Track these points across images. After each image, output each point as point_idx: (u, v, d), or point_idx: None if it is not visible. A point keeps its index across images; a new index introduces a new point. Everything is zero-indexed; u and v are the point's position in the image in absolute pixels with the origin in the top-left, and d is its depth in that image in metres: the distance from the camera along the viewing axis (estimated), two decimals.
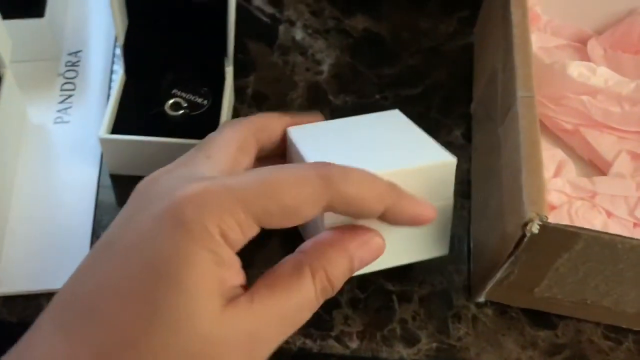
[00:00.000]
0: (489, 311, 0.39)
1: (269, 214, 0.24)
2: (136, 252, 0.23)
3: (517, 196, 0.33)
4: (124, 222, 0.25)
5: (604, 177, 0.43)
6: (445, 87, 0.51)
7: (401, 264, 0.36)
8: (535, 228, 0.31)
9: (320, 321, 0.38)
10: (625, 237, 0.31)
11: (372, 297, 0.39)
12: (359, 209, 0.27)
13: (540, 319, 0.39)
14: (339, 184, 0.25)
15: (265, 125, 0.34)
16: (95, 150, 0.43)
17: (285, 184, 0.25)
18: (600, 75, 0.44)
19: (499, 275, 0.36)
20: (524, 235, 0.32)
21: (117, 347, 0.22)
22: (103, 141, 0.40)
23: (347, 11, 0.56)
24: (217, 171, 0.28)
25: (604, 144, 0.45)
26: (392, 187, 0.28)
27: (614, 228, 0.41)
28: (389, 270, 0.40)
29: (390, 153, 0.35)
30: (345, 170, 0.26)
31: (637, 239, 0.31)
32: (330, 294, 0.27)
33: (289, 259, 0.27)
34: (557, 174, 0.44)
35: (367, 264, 0.29)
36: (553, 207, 0.42)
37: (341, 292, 0.39)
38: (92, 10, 0.52)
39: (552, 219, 0.40)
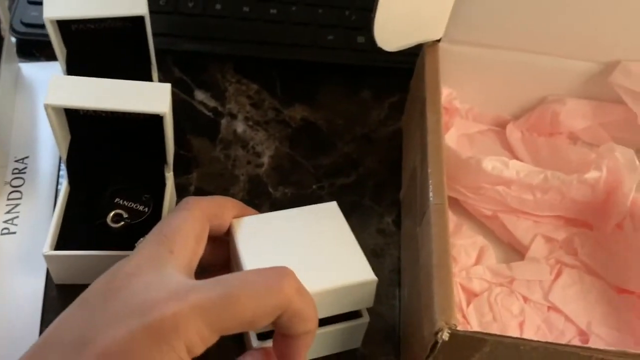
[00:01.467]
0: None
1: (230, 328, 0.29)
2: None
3: (429, 303, 0.36)
4: (93, 323, 0.28)
5: (520, 263, 0.47)
6: (377, 174, 0.54)
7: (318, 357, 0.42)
8: (445, 336, 0.34)
9: None
10: (525, 339, 0.35)
11: None
12: (298, 324, 0.32)
13: None
14: (295, 302, 0.31)
15: (219, 214, 0.39)
16: (42, 261, 0.45)
17: (247, 302, 0.29)
18: (512, 167, 0.48)
19: None
20: (436, 341, 0.35)
21: None
22: (47, 257, 0.42)
23: (286, 101, 0.60)
24: (182, 268, 0.33)
25: (521, 228, 0.49)
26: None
27: (530, 313, 0.44)
28: None
29: (319, 264, 0.39)
30: (300, 289, 0.31)
31: (537, 341, 0.35)
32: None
33: None
34: (478, 261, 0.47)
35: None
36: (475, 295, 0.45)
37: None
38: (39, 113, 0.54)
39: (474, 307, 0.44)
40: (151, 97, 0.41)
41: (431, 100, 0.46)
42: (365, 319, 0.41)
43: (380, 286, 0.47)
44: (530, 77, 0.53)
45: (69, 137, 0.46)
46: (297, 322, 0.31)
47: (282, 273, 0.31)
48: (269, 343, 0.36)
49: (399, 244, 0.50)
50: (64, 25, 0.47)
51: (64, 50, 0.49)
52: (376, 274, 0.48)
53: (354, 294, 0.39)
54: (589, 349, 0.35)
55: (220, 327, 0.28)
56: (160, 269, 0.31)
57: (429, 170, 0.41)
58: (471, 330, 0.35)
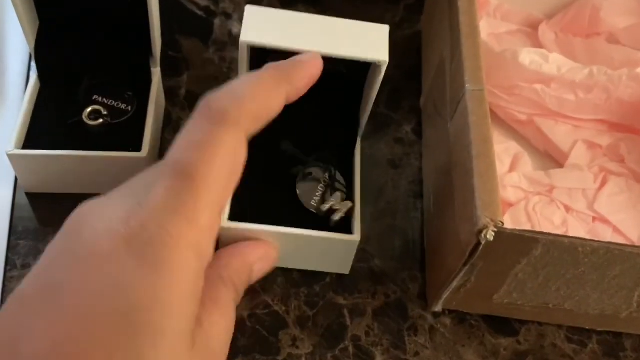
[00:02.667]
0: (447, 320, 0.36)
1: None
2: (104, 299, 0.19)
3: (469, 199, 0.30)
4: (69, 262, 0.20)
5: (560, 170, 0.41)
6: (393, 80, 0.48)
7: (305, 269, 0.38)
8: (490, 235, 0.28)
9: (266, 344, 0.34)
10: (585, 239, 0.29)
11: (321, 314, 0.36)
12: (270, 111, 0.24)
13: (501, 325, 0.37)
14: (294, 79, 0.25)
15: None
16: (9, 167, 0.38)
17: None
18: (553, 62, 0.42)
19: (455, 283, 0.33)
20: (478, 243, 0.29)
21: None
22: (12, 157, 0.35)
23: (288, 1, 0.52)
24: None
25: (560, 134, 0.43)
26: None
27: (574, 223, 0.39)
28: (339, 283, 0.37)
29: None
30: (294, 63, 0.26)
31: (597, 241, 0.29)
32: (237, 302, 0.26)
33: (212, 273, 0.25)
34: (512, 168, 0.42)
35: (264, 274, 0.30)
36: (510, 205, 0.40)
37: (287, 310, 0.36)
38: (6, 9, 0.47)
39: (510, 217, 0.38)
40: None
41: None
42: (356, 237, 0.35)
43: (399, 199, 0.42)
44: None
45: (37, 23, 0.39)
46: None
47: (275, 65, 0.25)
48: None
49: (420, 153, 0.44)
50: None
51: (35, 21, 0.39)
52: (394, 186, 0.43)
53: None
54: None
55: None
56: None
57: (464, 54, 0.35)
58: (520, 228, 0.29)
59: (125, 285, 0.19)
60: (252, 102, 0.23)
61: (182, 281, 0.20)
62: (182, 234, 0.20)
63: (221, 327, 0.23)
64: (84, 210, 0.21)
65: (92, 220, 0.21)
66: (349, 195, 0.37)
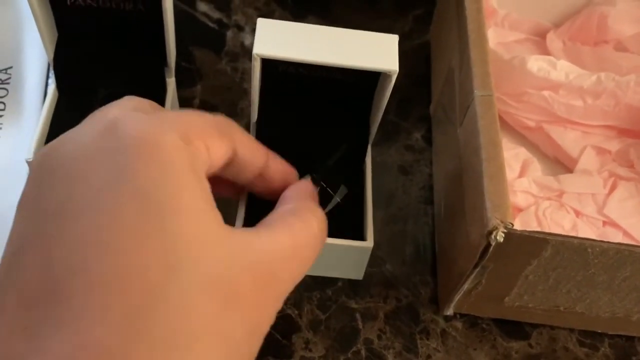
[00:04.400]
0: (458, 324, 0.37)
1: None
2: (121, 186, 0.18)
3: (479, 202, 0.30)
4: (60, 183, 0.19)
5: (570, 175, 0.42)
6: (403, 89, 0.49)
7: (321, 275, 0.38)
8: (500, 236, 0.29)
9: (279, 347, 0.35)
10: (595, 240, 0.29)
11: (333, 317, 0.36)
12: (251, 155, 0.26)
13: (513, 328, 0.37)
14: (234, 124, 0.25)
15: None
16: (26, 173, 0.39)
17: (205, 115, 0.24)
18: (560, 69, 0.42)
19: (466, 286, 0.34)
20: (489, 244, 0.29)
21: (144, 302, 0.16)
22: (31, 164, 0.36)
23: (298, 13, 0.54)
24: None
25: (568, 140, 0.43)
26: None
27: (584, 228, 0.39)
28: (351, 287, 0.37)
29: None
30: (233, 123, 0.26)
31: (607, 242, 0.29)
32: (325, 228, 0.26)
33: (277, 211, 0.26)
34: (522, 173, 0.42)
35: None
36: (520, 209, 0.40)
37: (300, 313, 0.36)
38: (25, 20, 0.49)
39: (520, 221, 0.38)
40: None
41: None
42: (369, 243, 0.35)
43: (409, 204, 0.42)
44: None
45: (56, 34, 0.40)
46: (248, 150, 0.26)
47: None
48: None
49: (430, 160, 0.45)
50: None
51: (54, 33, 0.40)
52: (405, 192, 0.43)
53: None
54: None
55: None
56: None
57: (472, 61, 0.36)
58: (530, 229, 0.29)
59: (121, 178, 0.18)
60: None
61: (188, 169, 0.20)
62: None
63: (285, 246, 0.22)
64: (46, 150, 0.21)
65: (63, 149, 0.20)
66: (359, 202, 0.38)
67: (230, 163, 0.24)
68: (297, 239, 0.23)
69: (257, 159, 0.26)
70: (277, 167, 0.28)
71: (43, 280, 0.17)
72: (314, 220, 0.24)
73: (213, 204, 0.20)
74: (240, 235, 0.20)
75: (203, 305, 0.18)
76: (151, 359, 0.16)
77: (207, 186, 0.21)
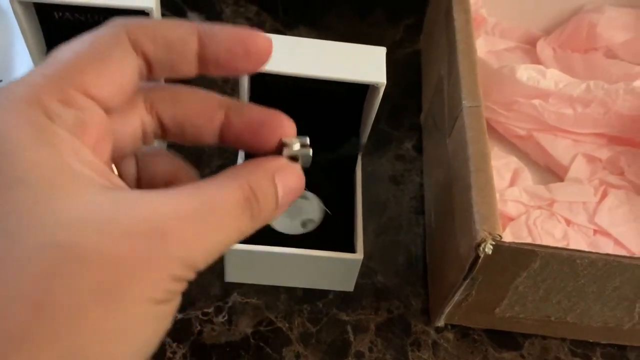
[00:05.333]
0: (449, 335, 0.37)
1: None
2: None
3: (468, 214, 0.30)
4: None
5: (560, 184, 0.42)
6: (394, 98, 0.49)
7: (311, 287, 0.38)
8: (488, 248, 0.29)
9: None
10: (583, 251, 0.29)
11: (324, 330, 0.36)
12: (167, 37, 0.19)
13: (504, 339, 0.37)
14: (133, 22, 0.19)
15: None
16: None
17: (81, 44, 0.19)
18: (550, 77, 0.42)
19: (456, 297, 0.34)
20: (477, 256, 0.29)
21: None
22: None
23: (289, 24, 0.54)
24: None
25: (559, 148, 0.43)
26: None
27: (574, 237, 0.39)
28: (342, 299, 0.37)
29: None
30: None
31: (595, 253, 0.29)
32: (257, 209, 0.19)
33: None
34: (512, 182, 0.42)
35: (291, 189, 0.21)
36: (510, 219, 0.40)
37: (291, 327, 0.36)
38: (15, 35, 0.49)
39: (510, 231, 0.38)
40: None
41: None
42: (359, 255, 0.35)
43: (401, 214, 0.42)
44: None
45: (45, 48, 0.40)
46: (162, 34, 0.19)
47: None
48: None
49: (421, 169, 0.45)
50: (42, 10, 0.37)
51: (42, 43, 0.39)
52: (396, 202, 0.43)
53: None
54: None
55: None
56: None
57: (460, 71, 0.36)
58: (519, 240, 0.29)
59: None
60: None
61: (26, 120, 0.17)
62: None
63: (187, 206, 0.18)
64: None
65: None
66: (350, 213, 0.38)
67: (152, 67, 0.19)
68: (207, 202, 0.18)
69: (180, 41, 0.19)
70: (216, 35, 0.20)
71: None
72: (239, 188, 0.19)
73: (71, 163, 0.17)
74: (109, 194, 0.17)
75: (31, 270, 0.15)
76: None
77: (63, 145, 0.17)
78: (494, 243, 0.29)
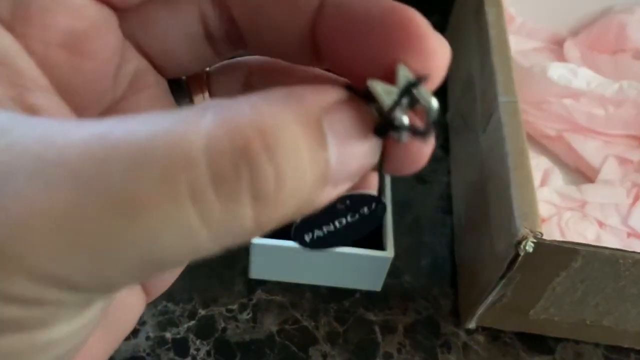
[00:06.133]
0: (480, 338, 0.36)
1: None
2: None
3: (506, 211, 0.29)
4: None
5: (592, 185, 0.41)
6: None
7: (338, 286, 0.37)
8: (529, 246, 0.28)
9: None
10: (627, 251, 0.28)
11: (352, 330, 0.35)
12: None
13: (536, 343, 0.36)
14: None
15: None
16: None
17: None
18: (582, 77, 0.41)
19: (490, 298, 0.33)
20: (517, 255, 0.28)
21: None
22: None
23: None
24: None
25: (590, 149, 0.42)
26: None
27: (607, 238, 0.38)
28: (369, 298, 0.36)
29: None
30: None
31: (639, 253, 0.28)
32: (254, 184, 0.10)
33: None
34: (543, 183, 0.41)
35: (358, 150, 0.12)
36: (542, 220, 0.39)
37: (317, 325, 0.35)
38: None
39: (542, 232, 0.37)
40: None
41: None
42: (390, 253, 0.34)
43: (427, 214, 0.41)
44: None
45: None
46: None
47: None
48: None
49: (448, 169, 0.44)
50: None
51: None
52: (423, 202, 0.42)
53: None
54: None
55: None
56: None
57: (495, 66, 0.35)
58: (560, 239, 0.28)
59: None
60: None
61: None
62: None
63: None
64: None
65: None
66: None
67: None
68: (167, 132, 0.10)
69: None
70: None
71: None
72: (210, 114, 0.10)
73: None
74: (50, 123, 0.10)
75: None
76: None
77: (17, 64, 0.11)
78: (535, 241, 0.28)
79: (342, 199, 0.13)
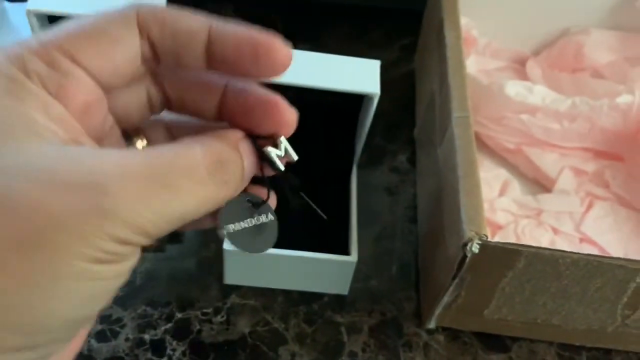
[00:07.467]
0: (440, 337, 0.38)
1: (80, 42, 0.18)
2: None
3: (456, 217, 0.32)
4: None
5: (548, 195, 0.43)
6: (389, 114, 0.51)
7: (308, 290, 0.39)
8: (475, 248, 0.30)
9: (266, 359, 0.36)
10: (565, 251, 0.31)
11: (319, 331, 0.37)
12: (176, 28, 0.19)
13: (494, 342, 0.38)
14: (147, 8, 0.19)
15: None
16: None
17: (88, 19, 0.19)
18: (537, 93, 0.44)
19: (446, 299, 0.35)
20: (465, 256, 0.31)
21: None
22: None
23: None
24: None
25: (547, 161, 0.45)
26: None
27: (561, 244, 0.40)
28: (337, 302, 0.39)
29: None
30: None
31: (577, 253, 0.31)
32: (226, 176, 0.19)
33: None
34: (502, 193, 0.44)
35: (252, 162, 0.20)
36: (500, 227, 0.42)
37: (287, 327, 0.37)
38: None
39: (499, 238, 0.40)
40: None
41: (449, 19, 0.42)
42: (353, 258, 0.36)
43: (395, 223, 0.44)
44: (552, 5, 0.50)
45: None
46: (173, 24, 0.19)
47: None
48: None
49: (415, 181, 0.46)
50: (55, 22, 0.39)
51: None
52: (391, 212, 0.45)
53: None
54: (638, 261, 0.31)
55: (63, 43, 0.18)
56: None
57: (450, 85, 0.38)
58: (503, 241, 0.31)
59: None
60: None
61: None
62: None
63: (139, 162, 0.17)
64: None
65: None
66: (345, 220, 0.39)
67: (157, 53, 0.19)
68: (163, 163, 0.17)
69: (189, 35, 0.19)
70: (227, 33, 0.19)
71: None
72: (205, 152, 0.18)
73: (34, 115, 0.17)
74: (67, 148, 0.17)
75: None
76: None
77: (30, 99, 0.17)
78: (480, 242, 0.30)
79: (245, 197, 0.21)
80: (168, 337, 0.36)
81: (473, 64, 0.51)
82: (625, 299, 0.33)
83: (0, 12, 0.53)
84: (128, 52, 0.19)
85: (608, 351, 0.38)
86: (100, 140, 0.20)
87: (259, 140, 0.20)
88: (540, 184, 0.45)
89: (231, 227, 0.21)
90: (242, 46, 0.19)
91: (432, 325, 0.38)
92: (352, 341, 0.37)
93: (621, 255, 0.40)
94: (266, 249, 0.21)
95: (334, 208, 0.40)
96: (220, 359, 0.36)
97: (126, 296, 0.37)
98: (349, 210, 0.40)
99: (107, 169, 0.16)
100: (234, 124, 0.21)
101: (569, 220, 0.42)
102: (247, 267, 0.38)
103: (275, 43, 0.19)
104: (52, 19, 0.39)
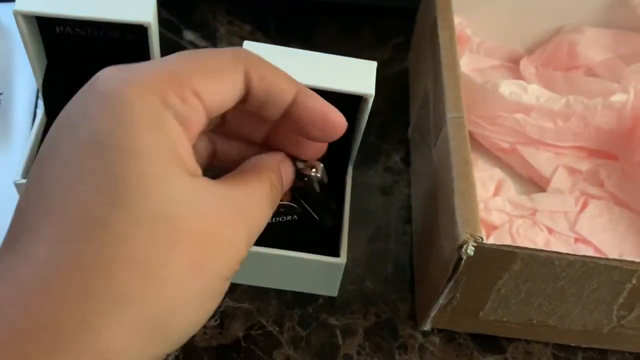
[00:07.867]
0: (435, 339, 0.38)
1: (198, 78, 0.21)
2: (80, 132, 0.19)
3: (451, 218, 0.32)
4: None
5: (542, 194, 0.43)
6: (383, 113, 0.50)
7: (298, 290, 0.39)
8: (470, 250, 0.30)
9: None
10: (561, 253, 0.31)
11: (314, 334, 0.37)
12: (272, 84, 0.23)
13: (489, 343, 0.38)
14: (253, 57, 0.23)
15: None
16: (16, 197, 0.40)
17: (204, 55, 0.22)
18: (531, 92, 0.44)
19: (441, 301, 0.35)
20: (460, 258, 0.31)
21: (84, 227, 0.18)
22: (20, 186, 0.37)
23: (281, 43, 0.55)
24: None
25: (541, 160, 0.45)
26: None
27: (556, 244, 0.40)
28: (331, 304, 0.38)
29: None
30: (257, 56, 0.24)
31: (573, 255, 0.31)
32: (276, 198, 0.24)
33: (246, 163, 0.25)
34: (496, 193, 0.43)
35: (288, 178, 0.26)
36: (494, 227, 0.41)
37: (281, 330, 0.37)
38: (15, 48, 0.50)
39: (494, 238, 0.40)
40: (135, 5, 0.37)
41: (443, 17, 0.42)
42: (342, 260, 0.36)
43: (389, 224, 0.43)
44: (546, 3, 0.49)
45: (45, 62, 0.41)
46: (269, 79, 0.23)
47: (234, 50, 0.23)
48: None
49: (409, 181, 0.46)
50: (44, 24, 0.38)
51: (43, 55, 0.40)
52: (385, 212, 0.44)
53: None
54: (634, 262, 0.31)
55: (189, 79, 0.21)
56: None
57: (444, 85, 0.37)
58: (499, 243, 0.31)
59: (80, 125, 0.20)
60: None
61: (148, 115, 0.20)
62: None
63: (249, 193, 0.22)
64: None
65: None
66: (338, 221, 0.39)
67: (248, 98, 0.23)
68: (249, 197, 0.22)
69: (280, 93, 0.23)
70: (308, 103, 0.24)
71: (17, 210, 0.20)
72: (267, 183, 0.24)
73: (179, 150, 0.20)
74: (200, 182, 0.21)
75: (141, 236, 0.18)
76: (83, 278, 0.18)
77: (174, 133, 0.20)
78: (475, 244, 0.30)
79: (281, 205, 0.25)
80: None
81: (467, 63, 0.51)
82: (621, 300, 0.33)
83: None
84: (236, 93, 0.22)
85: (604, 351, 0.38)
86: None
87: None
88: (534, 183, 0.45)
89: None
90: (317, 115, 0.24)
91: (427, 327, 0.38)
92: (347, 344, 0.37)
93: (616, 255, 0.40)
94: None
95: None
96: None
97: None
98: (342, 211, 0.39)
99: (241, 201, 0.22)
100: (276, 148, 0.26)
101: (564, 220, 0.42)
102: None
103: (340, 119, 0.25)
104: (40, 20, 0.38)
